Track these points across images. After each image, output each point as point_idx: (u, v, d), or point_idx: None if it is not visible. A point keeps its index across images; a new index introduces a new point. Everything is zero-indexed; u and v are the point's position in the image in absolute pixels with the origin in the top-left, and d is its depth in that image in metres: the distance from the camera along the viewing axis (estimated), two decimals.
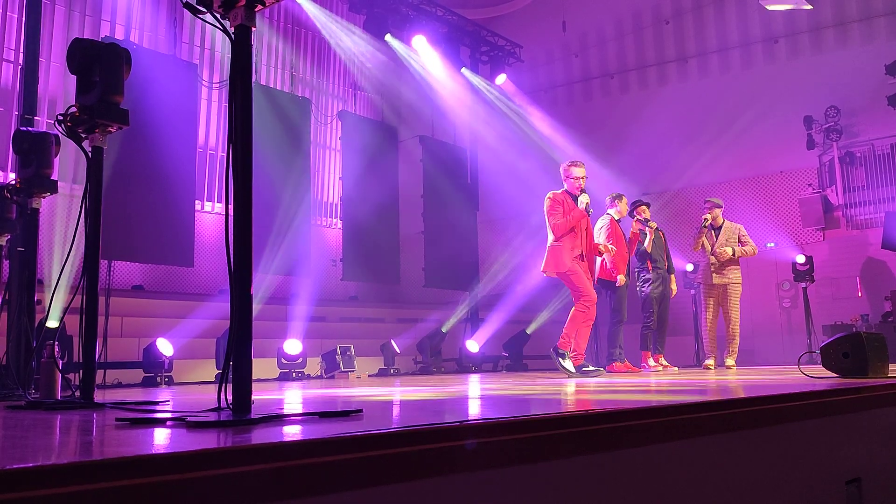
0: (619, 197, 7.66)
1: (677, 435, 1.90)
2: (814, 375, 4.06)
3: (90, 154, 3.07)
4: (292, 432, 1.58)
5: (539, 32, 12.78)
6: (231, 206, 1.94)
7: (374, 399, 3.22)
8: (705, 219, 7.63)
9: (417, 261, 10.84)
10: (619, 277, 7.22)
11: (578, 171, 6.12)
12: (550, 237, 6.00)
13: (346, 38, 10.78)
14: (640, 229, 7.59)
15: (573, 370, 5.73)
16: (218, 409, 1.94)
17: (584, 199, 5.95)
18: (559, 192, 6.11)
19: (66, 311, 3.47)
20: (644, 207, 7.73)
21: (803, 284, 9.66)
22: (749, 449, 2.13)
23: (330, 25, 10.62)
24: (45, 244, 7.91)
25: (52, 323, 4.95)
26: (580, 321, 5.87)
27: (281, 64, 11.25)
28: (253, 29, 2.05)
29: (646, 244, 7.58)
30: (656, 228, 7.77)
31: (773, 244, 10.61)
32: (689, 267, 9.87)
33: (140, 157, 7.55)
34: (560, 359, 5.75)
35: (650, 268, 7.64)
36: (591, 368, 5.91)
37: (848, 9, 10.67)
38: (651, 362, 7.56)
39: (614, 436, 1.74)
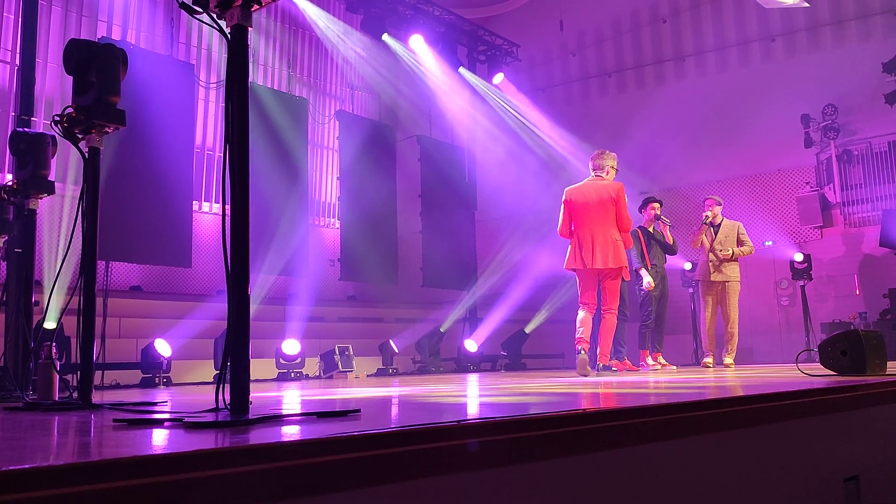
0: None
1: (675, 434, 1.90)
2: (812, 373, 4.06)
3: (87, 155, 3.06)
4: (290, 432, 1.57)
5: (537, 32, 12.77)
6: (228, 207, 1.94)
7: (372, 399, 3.22)
8: (706, 216, 7.63)
9: (415, 260, 10.84)
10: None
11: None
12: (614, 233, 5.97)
13: (343, 38, 10.78)
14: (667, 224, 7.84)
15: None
16: (216, 410, 1.93)
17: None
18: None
19: (63, 311, 3.47)
20: (656, 204, 7.79)
21: (801, 282, 9.67)
22: (747, 447, 2.13)
23: (327, 25, 10.61)
24: (45, 245, 7.91)
25: (49, 324, 4.94)
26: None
27: (278, 64, 11.24)
28: (249, 29, 2.04)
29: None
30: (652, 228, 7.80)
31: (770, 242, 10.61)
32: (688, 265, 9.87)
33: (137, 158, 7.54)
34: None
35: (647, 265, 7.64)
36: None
37: (845, 7, 10.67)
38: (650, 361, 7.57)
39: (612, 435, 1.74)
